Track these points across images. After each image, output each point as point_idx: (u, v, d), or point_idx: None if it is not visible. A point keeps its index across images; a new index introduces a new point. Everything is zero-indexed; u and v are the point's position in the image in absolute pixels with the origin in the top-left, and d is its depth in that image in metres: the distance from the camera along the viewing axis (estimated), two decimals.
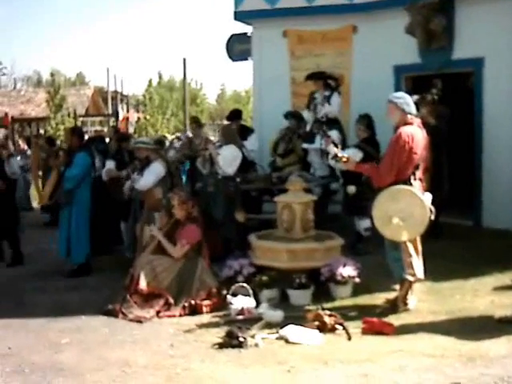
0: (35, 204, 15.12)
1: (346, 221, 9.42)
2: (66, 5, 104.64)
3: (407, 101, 6.60)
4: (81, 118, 29.38)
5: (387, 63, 11.40)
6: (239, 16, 12.70)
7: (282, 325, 6.23)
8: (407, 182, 6.49)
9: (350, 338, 5.96)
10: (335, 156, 6.91)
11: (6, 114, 27.44)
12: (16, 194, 10.46)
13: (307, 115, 10.81)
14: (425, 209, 6.41)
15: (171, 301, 6.99)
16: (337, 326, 6.16)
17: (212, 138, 11.79)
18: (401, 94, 6.85)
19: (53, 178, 9.34)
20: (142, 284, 7.07)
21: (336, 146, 7.12)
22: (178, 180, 9.35)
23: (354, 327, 6.16)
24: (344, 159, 6.83)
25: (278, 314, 6.49)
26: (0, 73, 53.98)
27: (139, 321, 6.73)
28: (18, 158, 12.77)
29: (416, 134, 6.51)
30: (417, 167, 6.56)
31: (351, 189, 8.94)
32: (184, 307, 6.95)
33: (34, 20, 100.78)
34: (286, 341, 5.94)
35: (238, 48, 13.54)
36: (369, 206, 6.86)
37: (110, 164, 9.78)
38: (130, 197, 8.93)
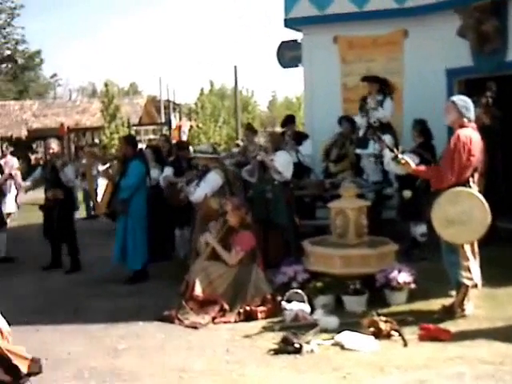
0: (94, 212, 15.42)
1: (401, 226, 9.33)
2: (118, 17, 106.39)
3: (468, 106, 6.54)
4: (134, 127, 29.78)
5: (439, 67, 11.27)
6: (289, 23, 12.72)
7: (337, 331, 6.21)
8: (466, 184, 6.42)
9: (406, 345, 5.91)
10: (395, 157, 6.86)
11: (62, 124, 28.05)
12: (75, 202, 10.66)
13: (360, 120, 10.77)
14: (485, 211, 6.32)
15: (226, 307, 7.04)
16: (393, 333, 6.11)
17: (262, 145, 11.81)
18: (464, 98, 6.74)
19: (109, 187, 9.49)
20: (198, 290, 7.14)
21: (392, 150, 7.07)
22: (237, 188, 9.37)
23: (410, 333, 6.10)
24: (403, 161, 6.79)
25: (333, 320, 6.47)
26: (56, 84, 55.32)
27: (195, 327, 6.79)
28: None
29: (473, 137, 6.45)
30: (475, 170, 6.49)
31: (407, 193, 8.86)
32: (239, 313, 6.98)
33: (88, 33, 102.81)
34: (342, 347, 5.92)
35: (288, 55, 13.55)
36: (425, 211, 6.79)
37: (168, 171, 9.90)
38: (187, 204, 9.02)
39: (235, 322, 6.91)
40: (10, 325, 5.46)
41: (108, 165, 10.62)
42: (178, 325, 6.89)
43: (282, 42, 13.76)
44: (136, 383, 5.43)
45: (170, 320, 6.98)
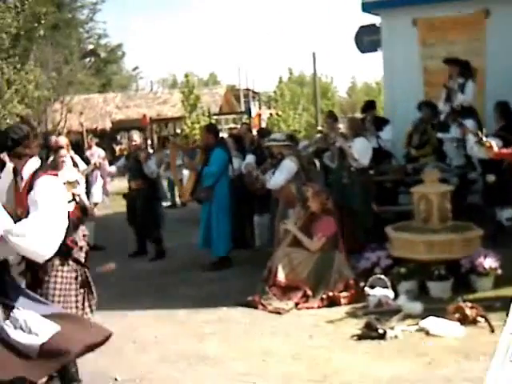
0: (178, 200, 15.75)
1: (487, 211, 9.13)
2: (197, 8, 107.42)
3: None
4: (215, 117, 30.07)
5: None
6: (367, 7, 12.54)
7: (421, 317, 6.16)
8: None
9: (492, 331, 5.80)
10: (479, 140, 6.72)
11: (145, 116, 28.58)
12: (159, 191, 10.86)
13: (442, 105, 10.56)
14: None
15: (309, 293, 7.09)
16: (479, 319, 6.02)
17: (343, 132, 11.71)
18: None
19: (192, 175, 9.65)
20: (280, 276, 7.22)
21: (476, 134, 6.93)
22: (313, 174, 9.38)
23: (497, 320, 5.99)
24: (487, 144, 6.65)
25: (417, 306, 6.42)
26: (138, 76, 56.41)
27: (278, 312, 6.87)
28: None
29: None
30: None
31: (490, 178, 8.67)
32: (322, 299, 7.02)
33: (167, 25, 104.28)
34: (427, 333, 5.87)
35: (366, 39, 13.37)
36: (511, 195, 6.64)
37: (250, 158, 9.99)
38: (266, 192, 9.09)
39: (318, 307, 6.96)
40: (99, 310, 5.64)
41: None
42: (262, 310, 6.99)
43: (361, 27, 13.60)
44: (220, 367, 5.54)
45: (253, 305, 7.08)
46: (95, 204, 11.40)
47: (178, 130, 30.14)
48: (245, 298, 7.25)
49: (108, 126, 32.82)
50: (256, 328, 6.49)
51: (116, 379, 5.37)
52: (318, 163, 10.30)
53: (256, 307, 7.05)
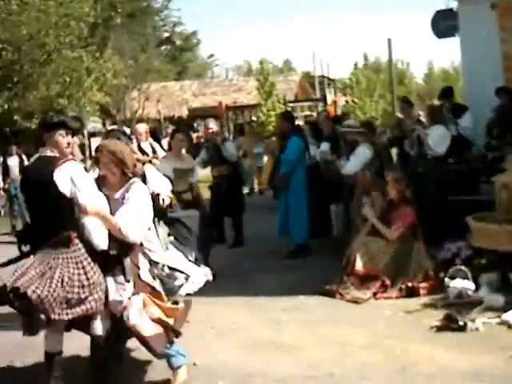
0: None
1: None
2: None
3: None
4: (290, 104, 30.01)
5: None
6: None
7: (503, 309, 6.02)
8: None
9: None
10: None
11: (221, 103, 28.75)
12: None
13: None
14: None
15: (388, 282, 7.02)
16: None
17: (422, 119, 11.50)
18: None
19: (269, 163, 9.67)
20: (359, 265, 7.17)
21: None
22: (387, 162, 9.27)
23: None
24: None
25: (499, 299, 6.27)
26: (213, 64, 56.83)
27: (356, 302, 6.85)
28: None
29: None
30: None
31: None
32: (401, 289, 6.94)
33: (242, 13, 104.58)
34: (509, 326, 5.74)
35: (443, 25, 13.04)
36: None
37: (325, 146, 9.94)
38: (341, 179, 9.03)
39: (396, 298, 6.89)
40: None
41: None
42: (339, 299, 6.97)
43: (437, 12, 13.30)
44: (297, 354, 5.55)
45: (331, 294, 7.07)
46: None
47: (254, 118, 30.23)
48: (323, 286, 7.24)
49: (185, 113, 33.18)
50: (333, 317, 6.48)
51: (194, 364, 5.44)
52: (395, 151, 10.17)
53: (334, 296, 7.04)
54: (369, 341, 5.74)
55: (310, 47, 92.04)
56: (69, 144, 4.82)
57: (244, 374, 5.18)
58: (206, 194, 12.75)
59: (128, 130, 6.13)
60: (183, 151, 8.69)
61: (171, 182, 6.53)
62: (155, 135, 13.44)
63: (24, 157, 14.21)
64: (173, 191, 5.99)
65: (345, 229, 9.04)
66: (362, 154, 8.49)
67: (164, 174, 6.11)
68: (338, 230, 9.84)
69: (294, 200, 9.05)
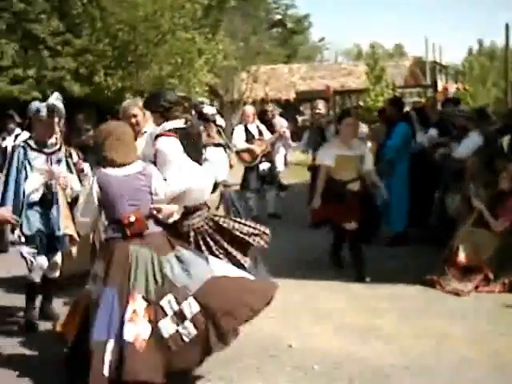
0: None
1: None
2: None
3: None
4: (399, 90, 29.48)
5: None
6: None
7: None
8: None
9: None
10: None
11: (328, 87, 28.57)
12: None
13: None
14: None
15: (491, 276, 6.82)
16: None
17: None
18: None
19: (373, 148, 9.56)
20: (461, 256, 7.00)
21: None
22: (497, 151, 8.96)
23: None
24: None
25: None
26: (323, 47, 56.49)
27: (457, 293, 6.70)
28: None
29: None
30: None
31: None
32: (504, 284, 6.73)
33: None
34: None
35: None
36: None
37: (433, 131, 9.73)
38: (443, 166, 8.80)
39: (499, 292, 6.70)
40: (279, 277, 5.80)
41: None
42: (439, 290, 6.84)
43: None
44: (393, 343, 5.50)
45: (431, 284, 6.95)
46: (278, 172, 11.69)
47: (361, 103, 29.88)
48: (423, 275, 7.11)
49: (292, 96, 33.23)
50: (432, 308, 6.37)
51: (290, 346, 5.50)
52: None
53: (434, 286, 6.91)
54: (469, 334, 5.61)
55: (422, 32, 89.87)
56: None
57: (339, 359, 5.18)
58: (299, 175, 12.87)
59: (211, 110, 5.97)
60: (352, 137, 7.74)
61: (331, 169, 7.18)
62: (263, 117, 13.50)
63: None
64: None
65: (440, 217, 8.81)
66: (474, 139, 8.24)
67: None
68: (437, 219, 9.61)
69: (396, 187, 8.90)
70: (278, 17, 45.19)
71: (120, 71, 19.73)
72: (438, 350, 5.33)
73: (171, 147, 4.95)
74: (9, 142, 8.84)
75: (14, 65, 18.66)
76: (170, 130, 5.05)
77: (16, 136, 8.84)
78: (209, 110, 6.10)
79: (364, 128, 11.21)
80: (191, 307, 4.48)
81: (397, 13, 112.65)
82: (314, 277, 7.49)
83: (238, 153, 10.95)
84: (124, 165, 4.71)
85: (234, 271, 4.84)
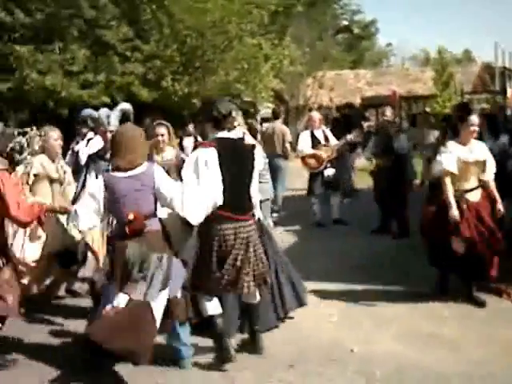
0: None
1: None
2: None
3: None
4: (467, 96, 29.00)
5: None
6: None
7: None
8: None
9: None
10: None
11: (394, 93, 28.32)
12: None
13: None
14: None
15: None
16: None
17: None
18: None
19: None
20: None
21: None
22: None
23: None
24: None
25: None
26: (390, 53, 55.97)
27: None
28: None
29: None
30: None
31: None
32: None
33: (423, 1, 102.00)
34: None
35: None
36: None
37: (503, 139, 9.56)
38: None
39: None
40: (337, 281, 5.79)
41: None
42: (506, 299, 6.72)
43: None
44: (457, 351, 5.44)
45: (497, 293, 6.82)
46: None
47: (428, 109, 29.50)
48: (489, 284, 6.95)
49: (357, 102, 33.06)
50: (498, 316, 6.26)
51: (352, 350, 5.50)
52: None
53: (500, 295, 6.78)
54: None
55: (492, 37, 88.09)
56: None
57: (401, 365, 5.15)
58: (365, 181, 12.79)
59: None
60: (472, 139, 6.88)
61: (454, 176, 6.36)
62: (350, 121, 13.44)
63: (199, 138, 14.79)
64: None
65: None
66: None
67: None
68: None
69: None
70: (345, 22, 44.96)
71: (187, 77, 19.99)
72: (502, 357, 5.25)
73: (199, 157, 5.11)
74: (81, 147, 9.06)
75: (85, 70, 19.13)
76: (213, 140, 5.18)
77: (88, 140, 9.05)
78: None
79: (436, 134, 11.10)
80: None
81: (466, 18, 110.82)
82: (376, 282, 7.45)
83: (303, 158, 11.00)
84: (129, 169, 4.93)
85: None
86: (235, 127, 5.35)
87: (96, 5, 19.34)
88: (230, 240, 5.11)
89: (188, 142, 15.36)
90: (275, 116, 13.35)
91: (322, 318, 6.19)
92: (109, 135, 6.17)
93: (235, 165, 5.18)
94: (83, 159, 7.59)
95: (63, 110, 18.63)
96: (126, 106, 6.38)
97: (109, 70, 19.19)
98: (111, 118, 6.44)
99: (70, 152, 9.28)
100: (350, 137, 11.11)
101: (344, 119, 14.07)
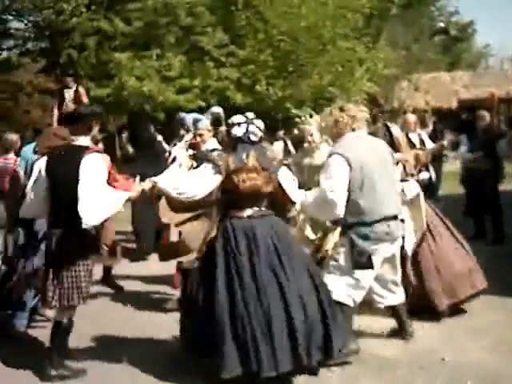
0: None
1: None
2: None
3: None
4: None
5: None
6: None
7: None
8: None
9: None
10: None
11: (493, 95, 27.62)
12: None
13: None
14: None
15: None
16: None
17: None
18: None
19: None
20: None
21: None
22: None
23: None
24: None
25: None
26: (488, 54, 54.47)
27: None
28: None
29: None
30: None
31: None
32: None
33: None
34: None
35: None
36: None
37: None
38: None
39: None
40: None
41: None
42: None
43: None
44: None
45: None
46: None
47: None
48: None
49: (453, 105, 32.38)
50: None
51: (443, 359, 5.43)
52: None
53: None
54: None
55: None
56: None
57: (495, 376, 5.05)
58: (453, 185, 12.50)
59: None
60: None
61: None
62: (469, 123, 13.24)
63: (288, 142, 14.86)
64: None
65: None
66: None
67: None
68: None
69: None
70: (441, 24, 44.11)
71: (281, 81, 20.11)
72: None
73: None
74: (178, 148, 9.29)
75: (181, 75, 19.54)
76: None
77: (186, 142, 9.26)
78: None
79: None
80: None
81: None
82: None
83: (397, 162, 10.86)
84: None
85: None
86: None
87: (193, 12, 19.74)
88: None
89: (278, 145, 15.50)
90: (373, 120, 13.24)
91: (414, 326, 6.11)
92: (198, 138, 6.47)
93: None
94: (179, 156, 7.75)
95: (160, 114, 19.10)
96: (217, 109, 6.57)
97: (204, 75, 19.54)
98: (202, 121, 6.62)
99: (166, 154, 9.53)
100: (446, 141, 10.92)
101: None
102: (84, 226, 4.93)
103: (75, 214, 4.91)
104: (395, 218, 5.40)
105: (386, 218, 5.29)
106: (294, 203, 5.38)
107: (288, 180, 5.35)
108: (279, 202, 5.30)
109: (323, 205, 5.20)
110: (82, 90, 11.87)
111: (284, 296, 4.76)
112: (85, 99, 11.60)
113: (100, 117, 5.56)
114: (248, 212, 5.04)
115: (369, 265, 5.23)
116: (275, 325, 4.67)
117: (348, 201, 5.17)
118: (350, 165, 5.16)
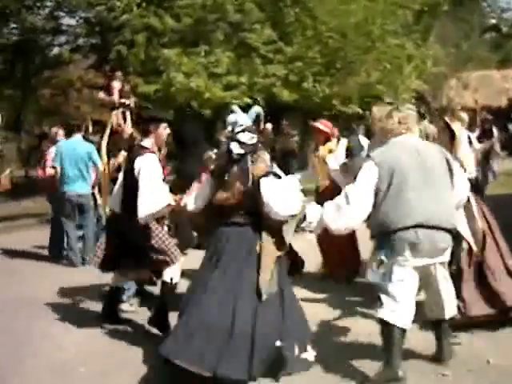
0: None
1: None
2: None
3: None
4: None
5: None
6: None
7: None
8: None
9: None
10: None
11: None
12: None
13: None
14: None
15: None
16: None
17: None
18: None
19: None
20: None
21: None
22: None
23: None
24: None
25: None
26: None
27: None
28: None
29: None
30: None
31: None
32: None
33: None
34: None
35: None
36: None
37: None
38: None
39: None
40: None
41: None
42: None
43: None
44: None
45: None
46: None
47: None
48: None
49: (504, 103, 31.86)
50: None
51: (488, 362, 5.37)
52: None
53: None
54: None
55: None
56: None
57: None
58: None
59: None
60: None
61: None
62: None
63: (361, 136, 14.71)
64: None
65: None
66: None
67: None
68: None
69: None
70: (493, 21, 43.44)
71: (328, 78, 20.02)
72: None
73: None
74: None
75: (228, 72, 19.59)
76: None
77: None
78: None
79: None
80: None
81: None
82: None
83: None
84: None
85: None
86: None
87: (241, 9, 19.78)
88: None
89: (354, 139, 15.34)
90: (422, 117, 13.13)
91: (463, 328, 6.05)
92: None
93: None
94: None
95: (206, 110, 19.20)
96: (258, 109, 6.59)
97: (251, 72, 19.56)
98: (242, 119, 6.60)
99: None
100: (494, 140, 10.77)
101: None
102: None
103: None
104: (433, 228, 4.87)
105: (417, 226, 4.82)
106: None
107: (274, 190, 5.14)
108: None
109: (338, 209, 5.05)
110: (127, 86, 12.10)
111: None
112: (130, 96, 11.78)
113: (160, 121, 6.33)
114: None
115: (388, 278, 4.91)
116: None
117: (374, 207, 4.94)
118: (379, 168, 4.94)
